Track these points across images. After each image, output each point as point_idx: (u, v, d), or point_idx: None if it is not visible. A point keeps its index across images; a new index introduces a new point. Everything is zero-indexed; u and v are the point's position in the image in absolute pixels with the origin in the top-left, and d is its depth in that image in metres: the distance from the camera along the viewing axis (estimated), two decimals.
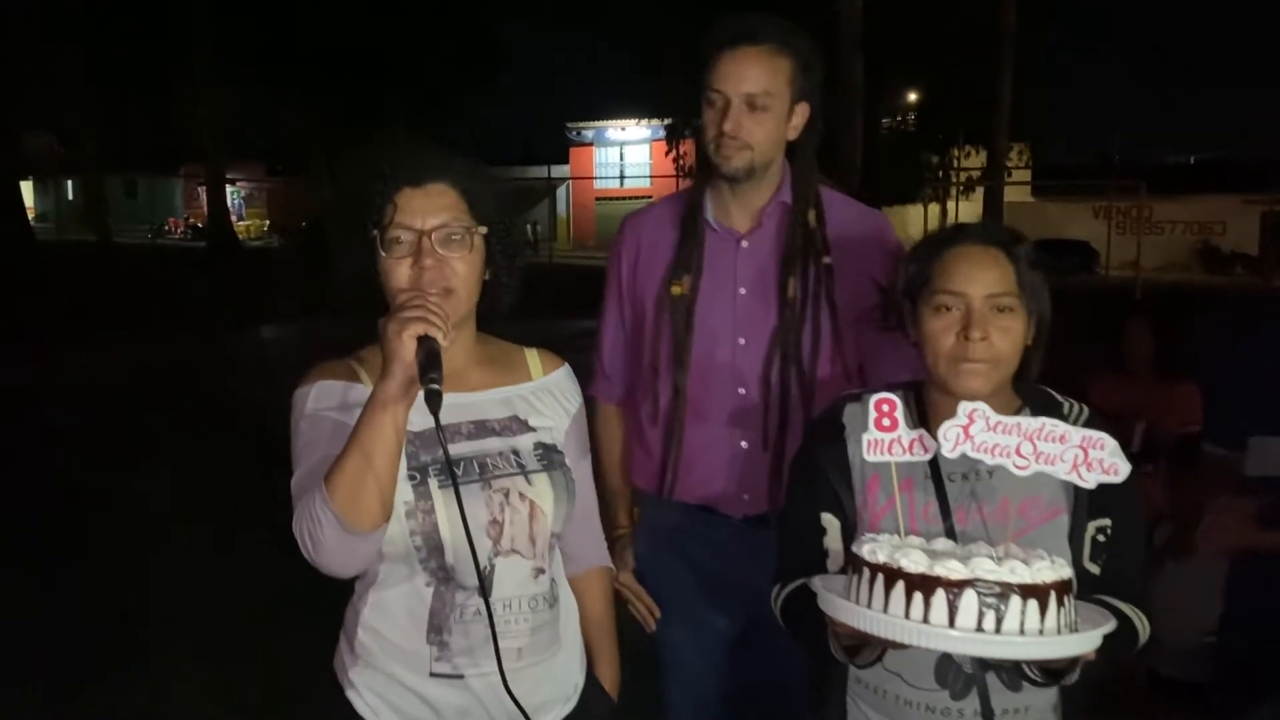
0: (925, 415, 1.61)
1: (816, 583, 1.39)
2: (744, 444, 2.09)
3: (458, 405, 1.59)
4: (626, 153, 42.69)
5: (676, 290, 2.10)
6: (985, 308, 1.55)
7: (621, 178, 41.93)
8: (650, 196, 37.72)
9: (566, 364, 1.81)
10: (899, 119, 27.57)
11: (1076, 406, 1.59)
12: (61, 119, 31.39)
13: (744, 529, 2.11)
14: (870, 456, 1.45)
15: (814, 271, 2.06)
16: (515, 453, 1.63)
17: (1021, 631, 1.22)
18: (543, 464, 1.64)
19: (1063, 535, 1.51)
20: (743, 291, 2.10)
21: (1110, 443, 1.33)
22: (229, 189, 33.47)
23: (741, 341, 2.09)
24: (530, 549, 1.61)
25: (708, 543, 2.14)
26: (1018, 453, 1.36)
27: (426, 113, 30.65)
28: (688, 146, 30.09)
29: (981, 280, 1.55)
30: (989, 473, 1.55)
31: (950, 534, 1.52)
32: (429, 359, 1.40)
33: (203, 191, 35.96)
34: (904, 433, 1.45)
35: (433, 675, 1.59)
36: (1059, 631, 1.24)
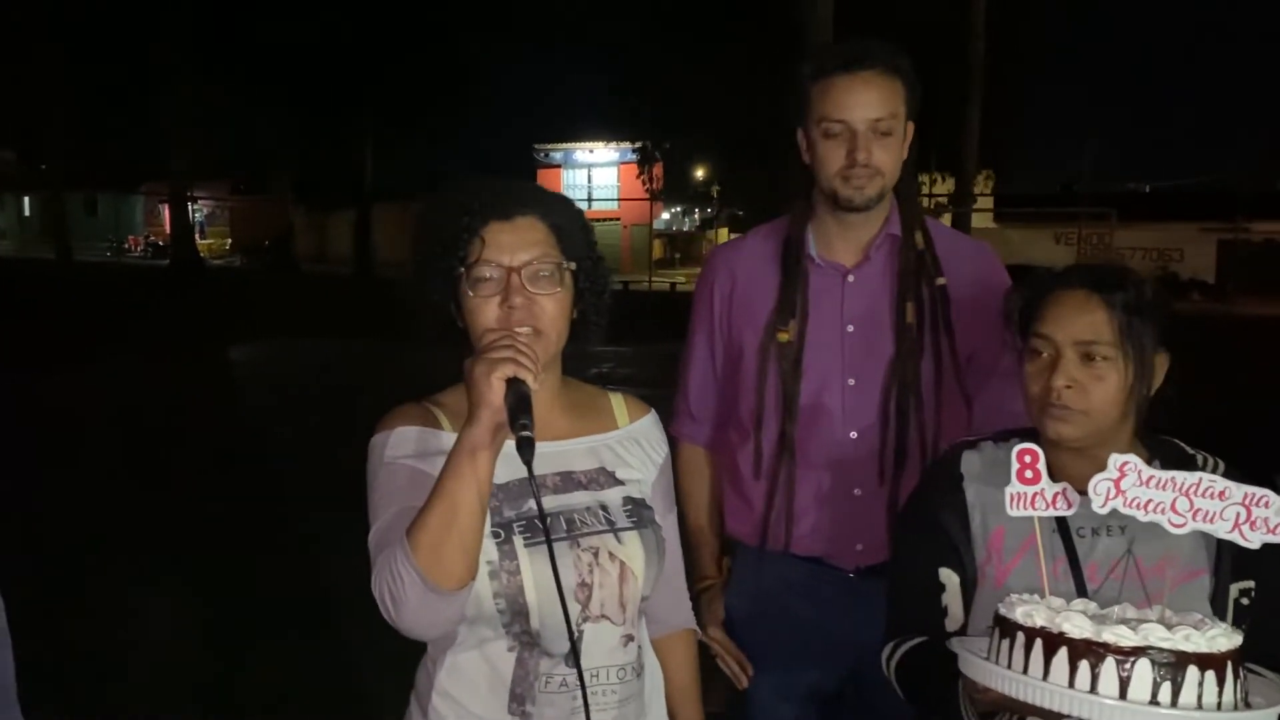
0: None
1: (957, 644, 1.30)
2: (857, 491, 2.01)
3: (542, 455, 1.47)
4: (595, 175, 42.71)
5: (783, 337, 2.01)
6: (1075, 354, 1.49)
7: (590, 200, 41.95)
8: (619, 219, 37.80)
9: (653, 411, 1.73)
10: None
11: (1211, 460, 1.52)
12: (21, 135, 30.85)
13: (856, 580, 2.03)
14: (1014, 511, 1.38)
15: (929, 294, 1.98)
16: (604, 508, 1.54)
17: (1199, 706, 1.15)
18: (633, 521, 1.55)
19: (1204, 597, 1.44)
20: (850, 329, 2.02)
21: (1276, 500, 1.26)
22: (190, 206, 32.95)
23: (851, 382, 2.01)
24: (620, 614, 1.51)
25: (813, 596, 2.06)
26: (1173, 509, 1.29)
27: (394, 132, 30.44)
28: (658, 170, 30.22)
29: (1073, 326, 1.49)
30: (1120, 528, 1.48)
31: (1082, 593, 1.44)
32: (519, 403, 1.32)
33: (164, 209, 35.40)
34: (1047, 485, 1.37)
35: None
36: (1235, 707, 1.17)
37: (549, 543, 1.36)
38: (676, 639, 1.74)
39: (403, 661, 1.67)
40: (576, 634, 1.46)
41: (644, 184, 29.98)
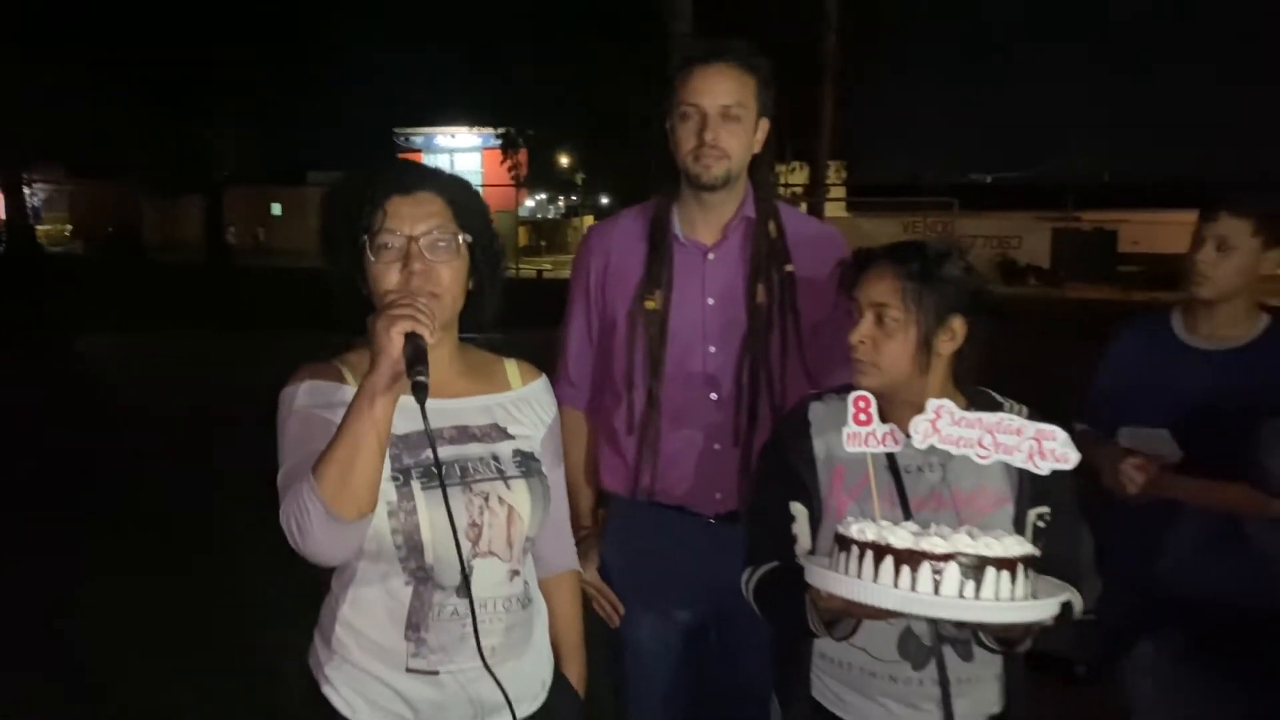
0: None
1: (805, 560, 1.54)
2: (716, 445, 2.23)
3: (440, 411, 1.65)
4: (457, 160, 42.26)
5: (650, 305, 2.22)
6: (871, 315, 1.75)
7: None
8: None
9: (544, 376, 1.90)
10: None
11: (1017, 405, 1.80)
12: None
13: (715, 526, 2.24)
14: (850, 448, 1.62)
15: (779, 279, 2.22)
16: (495, 458, 1.70)
17: (996, 598, 1.41)
18: (521, 471, 1.72)
19: (1008, 522, 1.71)
20: (711, 302, 2.24)
21: (1061, 434, 1.53)
22: (26, 190, 31.11)
23: (712, 349, 2.23)
24: (507, 552, 1.68)
25: (679, 540, 2.26)
26: (979, 444, 1.55)
27: (246, 116, 29.44)
28: (522, 156, 30.10)
29: (871, 290, 1.76)
30: (941, 465, 1.74)
31: (908, 520, 1.70)
32: (416, 354, 1.48)
33: None
34: (877, 426, 1.62)
35: (409, 671, 1.66)
36: (1025, 599, 1.43)
37: (442, 485, 1.53)
38: (562, 578, 1.94)
39: None
40: (468, 568, 1.63)
41: (509, 170, 29.82)
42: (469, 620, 1.62)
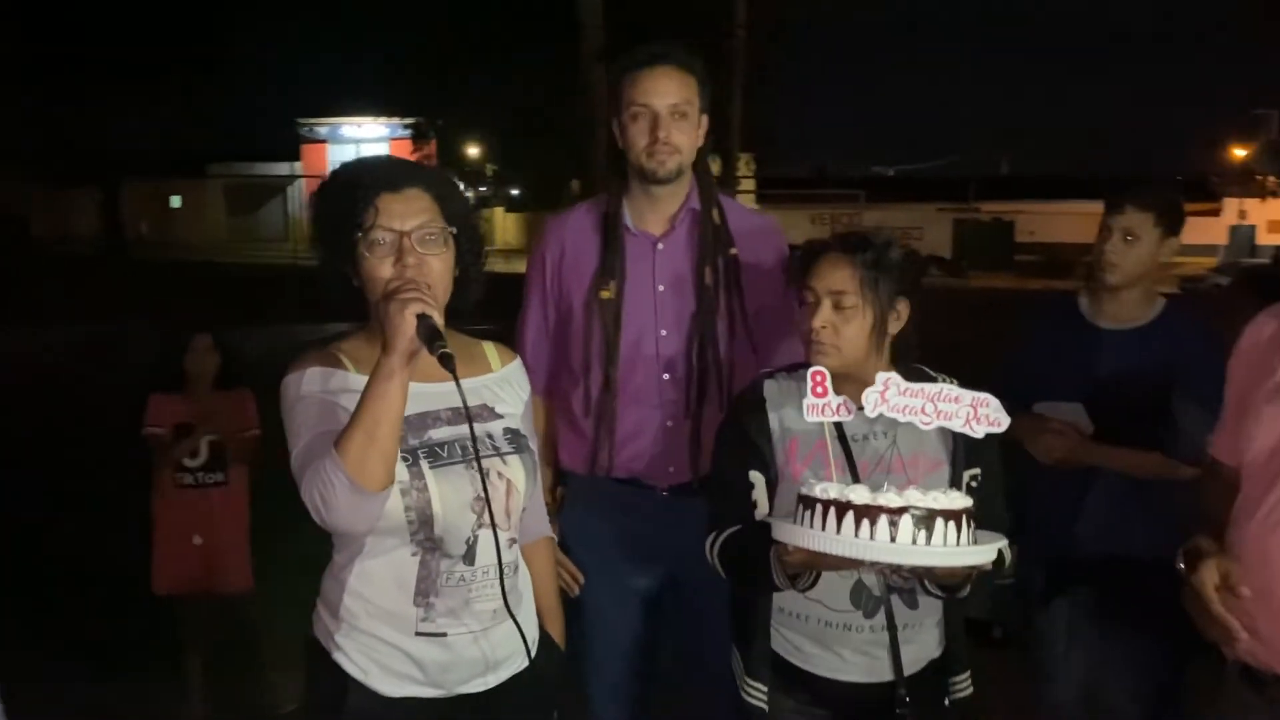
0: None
1: (774, 520, 1.70)
2: (669, 423, 2.38)
3: (435, 394, 1.77)
4: (363, 151, 41.49)
5: (605, 295, 2.36)
6: (829, 302, 1.92)
7: None
8: None
9: (519, 357, 2.03)
10: None
11: (948, 378, 1.99)
12: None
13: (668, 498, 2.39)
14: (810, 417, 1.79)
15: (723, 262, 2.38)
16: (490, 436, 1.82)
17: (944, 544, 1.59)
18: (513, 447, 1.85)
19: (945, 482, 1.90)
20: (661, 289, 2.39)
21: (994, 401, 1.73)
22: None
23: (664, 333, 2.38)
24: (505, 522, 1.81)
25: (635, 512, 2.41)
26: (923, 412, 1.74)
27: (139, 102, 28.47)
28: (432, 148, 29.78)
29: (828, 279, 1.93)
30: (884, 433, 1.92)
31: (857, 483, 1.87)
32: (431, 331, 1.60)
33: None
34: (833, 398, 1.79)
35: (418, 634, 1.77)
36: (969, 544, 1.62)
37: (476, 454, 1.70)
38: (539, 544, 2.07)
39: None
40: (473, 538, 1.76)
41: (421, 161, 29.56)
42: (473, 585, 1.76)
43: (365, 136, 40.55)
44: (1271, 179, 33.47)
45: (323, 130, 41.22)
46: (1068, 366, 2.67)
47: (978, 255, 28.84)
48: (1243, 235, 33.16)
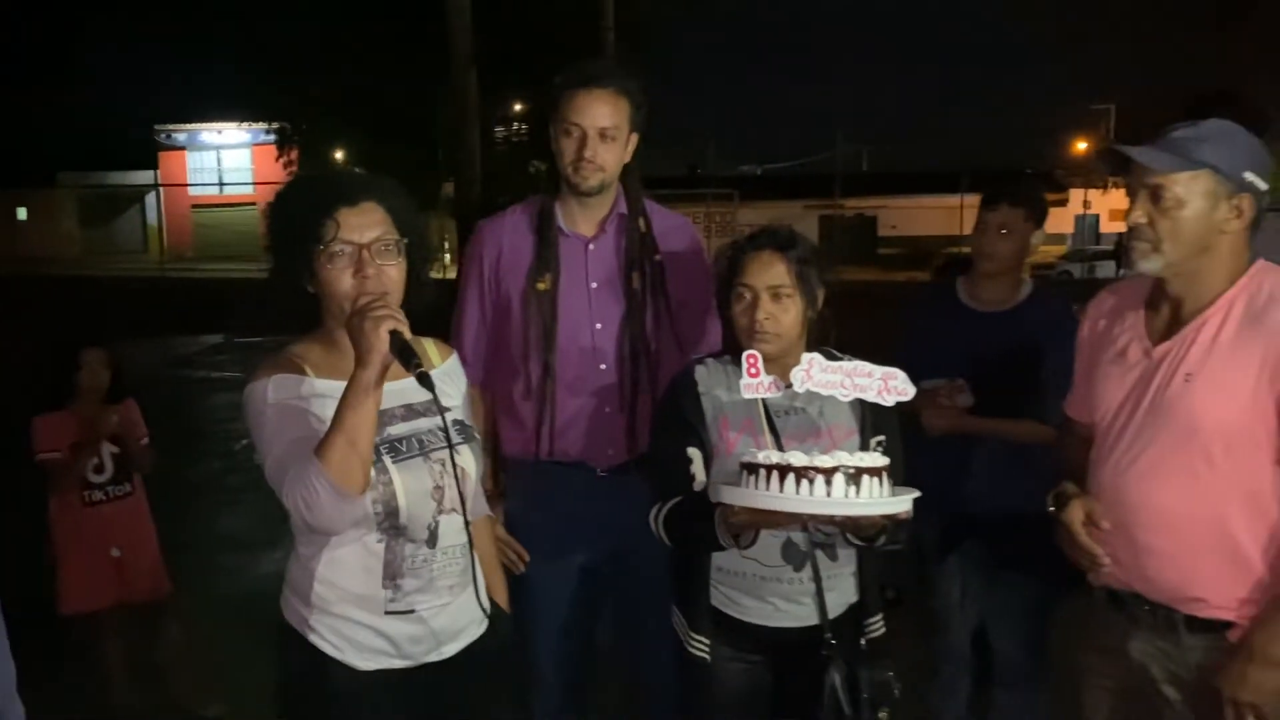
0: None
1: (721, 485, 1.94)
2: (607, 409, 2.58)
3: (390, 392, 1.89)
4: (225, 157, 40.31)
5: (541, 286, 2.55)
6: (768, 295, 2.17)
7: (221, 184, 39.50)
8: (255, 204, 35.85)
9: (455, 352, 2.20)
10: (514, 127, 28.59)
11: (850, 357, 2.21)
12: None
13: (607, 478, 2.60)
14: (747, 394, 2.03)
15: (650, 267, 2.60)
16: (442, 429, 1.96)
17: (871, 496, 1.86)
18: (463, 437, 2.02)
19: (856, 448, 2.16)
20: (594, 285, 2.59)
21: (901, 374, 2.01)
22: None
23: (598, 326, 2.58)
24: (461, 506, 1.97)
25: (574, 493, 2.60)
26: (841, 386, 2.00)
27: None
28: (296, 154, 29.02)
29: (765, 275, 2.18)
30: (803, 409, 2.18)
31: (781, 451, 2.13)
32: (403, 347, 1.76)
33: None
34: (764, 378, 2.04)
35: (388, 613, 1.94)
36: (890, 495, 1.89)
37: (449, 446, 1.87)
38: (481, 523, 2.22)
39: None
40: (434, 524, 1.94)
41: (284, 167, 28.75)
42: (435, 565, 1.94)
43: (226, 143, 39.45)
44: None
45: (181, 136, 39.87)
46: (950, 347, 2.99)
47: (843, 250, 29.84)
48: (1087, 224, 35.33)
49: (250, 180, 37.54)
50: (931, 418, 2.92)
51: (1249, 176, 1.95)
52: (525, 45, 25.55)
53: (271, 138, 29.22)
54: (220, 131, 39.02)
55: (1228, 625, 1.95)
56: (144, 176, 38.58)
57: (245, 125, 34.05)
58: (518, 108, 30.31)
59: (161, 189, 37.64)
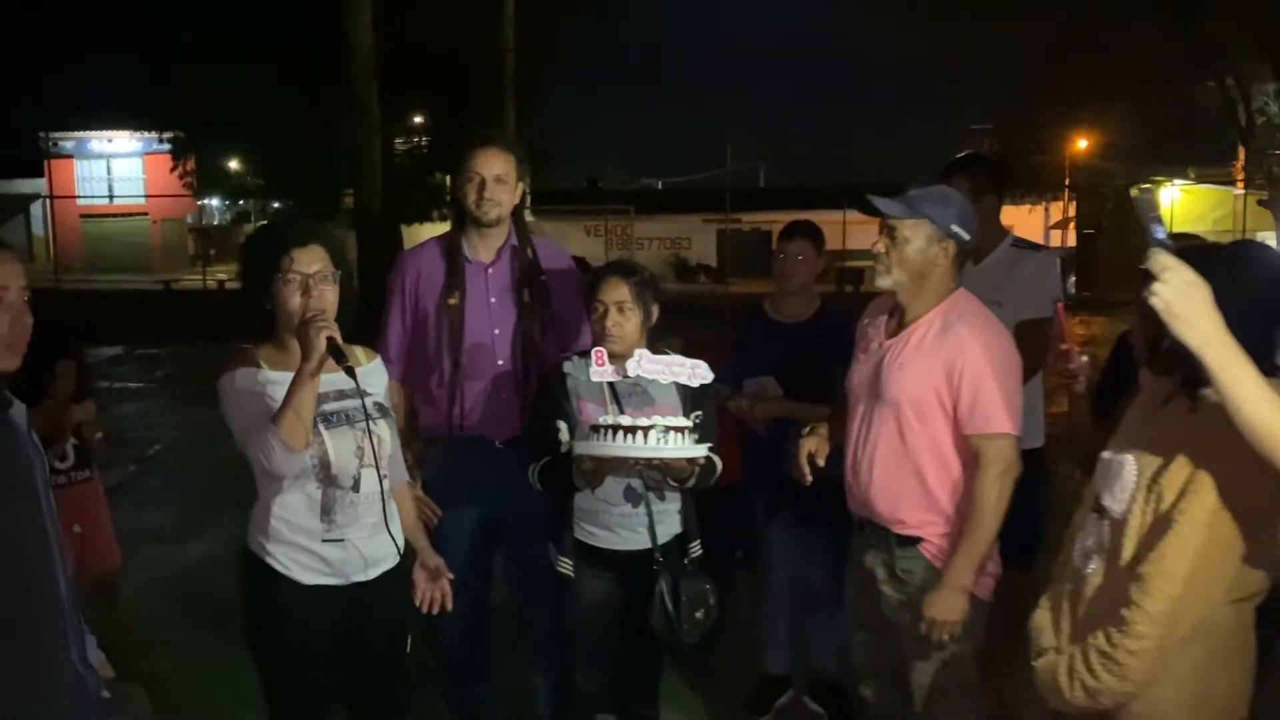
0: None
1: (577, 443, 2.74)
2: (504, 395, 3.36)
3: (326, 381, 2.60)
4: (114, 166, 39.33)
5: (452, 302, 3.33)
6: (615, 308, 2.98)
7: (111, 195, 38.56)
8: (147, 214, 35.13)
9: (379, 354, 2.95)
10: (414, 141, 28.74)
11: (675, 353, 3.04)
12: None
13: (504, 449, 3.36)
14: (595, 378, 2.85)
15: (536, 286, 3.40)
16: (364, 408, 2.68)
17: (679, 445, 2.69)
18: (380, 414, 2.76)
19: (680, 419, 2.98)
20: (493, 301, 3.37)
21: (703, 365, 2.84)
22: None
23: (496, 332, 3.36)
24: (377, 465, 2.70)
25: (479, 461, 3.36)
26: (663, 373, 2.82)
27: None
28: (191, 163, 28.51)
29: (613, 293, 3.00)
30: (642, 390, 2.99)
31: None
32: (338, 350, 2.50)
33: None
34: (609, 367, 2.86)
35: (324, 541, 2.66)
36: (691, 447, 2.72)
37: (368, 422, 2.60)
38: (401, 488, 2.96)
39: None
40: (358, 475, 2.66)
41: (180, 177, 28.40)
42: (359, 506, 2.67)
43: (117, 151, 38.33)
44: None
45: (69, 144, 38.84)
46: (762, 351, 3.86)
47: (740, 263, 30.53)
48: None
49: (142, 191, 36.68)
50: (755, 411, 3.77)
51: (955, 228, 2.80)
52: (427, 61, 25.91)
53: (165, 147, 28.85)
54: (110, 140, 38.20)
55: (919, 540, 2.82)
56: (30, 185, 37.57)
57: (138, 134, 33.51)
58: (419, 120, 30.46)
59: (51, 199, 36.66)
